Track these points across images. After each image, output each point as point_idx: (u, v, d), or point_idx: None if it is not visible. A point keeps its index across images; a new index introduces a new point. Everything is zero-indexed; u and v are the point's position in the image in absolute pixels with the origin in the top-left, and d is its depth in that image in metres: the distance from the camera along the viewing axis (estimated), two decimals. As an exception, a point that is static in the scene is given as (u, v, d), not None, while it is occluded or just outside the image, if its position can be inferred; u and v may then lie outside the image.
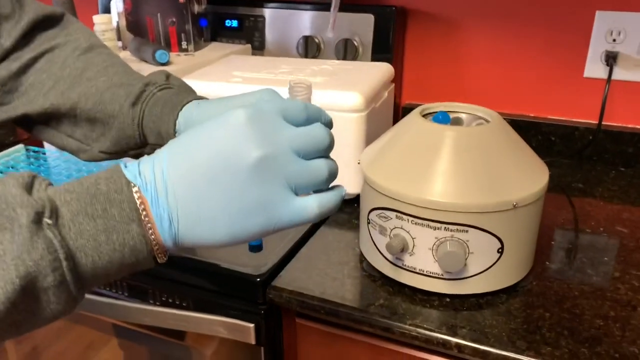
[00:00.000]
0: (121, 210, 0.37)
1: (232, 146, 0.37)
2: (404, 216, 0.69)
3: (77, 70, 0.58)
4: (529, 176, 0.70)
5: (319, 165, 0.39)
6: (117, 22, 1.21)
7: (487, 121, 0.75)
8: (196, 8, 1.15)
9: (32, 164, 1.01)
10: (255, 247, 0.84)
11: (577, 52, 1.08)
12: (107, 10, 1.38)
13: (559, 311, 0.69)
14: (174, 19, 1.12)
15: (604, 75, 1.06)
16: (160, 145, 0.53)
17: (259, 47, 1.26)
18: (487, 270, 0.69)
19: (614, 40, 1.03)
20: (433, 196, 0.67)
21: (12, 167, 1.00)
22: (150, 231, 0.38)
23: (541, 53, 1.10)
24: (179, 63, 1.09)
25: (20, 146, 1.05)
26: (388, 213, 0.71)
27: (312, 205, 0.39)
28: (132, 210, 0.37)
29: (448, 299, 0.72)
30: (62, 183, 0.39)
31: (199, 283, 0.81)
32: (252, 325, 0.77)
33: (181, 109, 0.53)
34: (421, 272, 0.71)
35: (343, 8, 1.16)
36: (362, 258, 0.81)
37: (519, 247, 0.71)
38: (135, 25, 1.14)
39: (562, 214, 0.93)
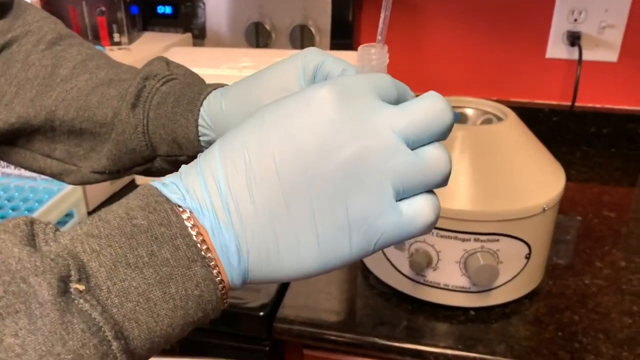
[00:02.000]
0: (175, 250, 0.26)
1: (318, 140, 0.26)
2: (428, 229, 0.62)
3: (46, 68, 0.44)
4: (549, 175, 0.66)
5: (437, 157, 0.27)
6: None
7: (496, 117, 0.70)
8: (128, -6, 0.99)
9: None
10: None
11: (539, 33, 1.06)
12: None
13: (586, 312, 0.67)
14: (103, 8, 0.96)
15: (566, 56, 1.06)
16: (176, 157, 0.42)
17: (199, 36, 1.12)
18: (514, 278, 0.65)
19: (575, 20, 1.03)
20: (459, 205, 0.61)
21: None
22: (216, 271, 0.27)
23: (503, 36, 1.07)
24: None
25: None
26: (408, 226, 0.63)
27: (426, 211, 0.27)
28: (190, 246, 0.26)
29: (473, 312, 0.67)
30: (73, 225, 0.27)
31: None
32: (258, 365, 0.67)
33: (201, 104, 0.40)
34: (446, 287, 0.65)
35: (296, -9, 1.06)
36: (366, 272, 0.73)
37: (543, 250, 0.67)
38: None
39: (548, 202, 0.91)
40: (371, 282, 0.72)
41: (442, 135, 0.28)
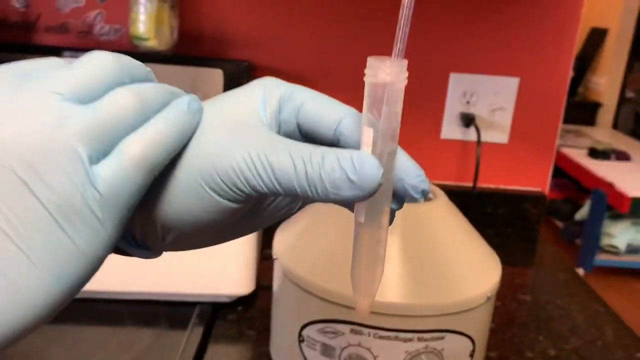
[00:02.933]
0: None
1: None
2: (364, 329, 0.52)
3: None
4: (486, 260, 0.60)
5: (112, 100, 0.24)
6: None
7: (422, 195, 0.63)
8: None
9: None
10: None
11: (433, 114, 1.05)
12: None
13: (533, 414, 0.59)
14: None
15: (460, 137, 1.06)
16: None
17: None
18: (458, 380, 0.56)
19: (468, 102, 1.04)
20: (395, 297, 0.52)
21: None
22: None
23: (399, 114, 1.06)
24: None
25: None
26: (339, 327, 0.53)
27: (122, 163, 0.24)
28: None
29: None
30: None
31: None
32: None
33: None
34: (384, 399, 0.54)
35: (184, 61, 0.96)
36: (281, 385, 0.60)
37: (484, 344, 0.59)
38: None
39: (463, 287, 0.86)
40: (289, 398, 0.59)
41: (112, 77, 0.25)
